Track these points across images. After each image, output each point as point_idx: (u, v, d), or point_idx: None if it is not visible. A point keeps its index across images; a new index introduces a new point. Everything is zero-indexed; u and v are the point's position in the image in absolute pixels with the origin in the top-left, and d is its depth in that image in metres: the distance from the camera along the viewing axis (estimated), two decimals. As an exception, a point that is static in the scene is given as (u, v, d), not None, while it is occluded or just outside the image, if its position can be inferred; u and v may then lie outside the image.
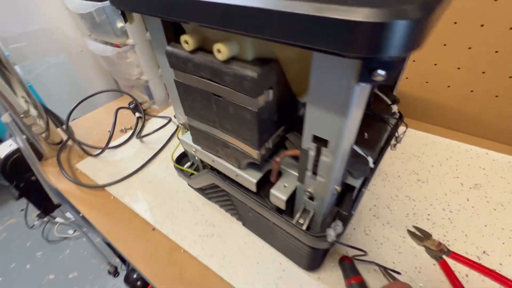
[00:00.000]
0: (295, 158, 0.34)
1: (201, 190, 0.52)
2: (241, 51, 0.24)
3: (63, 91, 1.05)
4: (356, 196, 0.34)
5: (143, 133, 0.74)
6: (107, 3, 0.62)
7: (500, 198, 0.51)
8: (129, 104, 0.80)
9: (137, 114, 0.78)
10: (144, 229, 0.51)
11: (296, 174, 0.34)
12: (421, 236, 0.46)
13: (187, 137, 0.42)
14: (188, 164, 0.53)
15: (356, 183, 0.33)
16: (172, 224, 0.51)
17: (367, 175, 0.32)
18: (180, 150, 0.52)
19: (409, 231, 0.47)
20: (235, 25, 0.19)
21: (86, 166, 0.65)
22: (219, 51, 0.24)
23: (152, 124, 0.78)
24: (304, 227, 0.33)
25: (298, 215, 0.34)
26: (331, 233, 0.30)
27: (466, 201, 0.51)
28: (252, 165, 0.35)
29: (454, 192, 0.53)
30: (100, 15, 0.65)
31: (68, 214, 1.28)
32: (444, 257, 0.43)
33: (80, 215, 0.70)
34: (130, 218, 0.54)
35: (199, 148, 0.40)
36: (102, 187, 0.59)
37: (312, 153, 0.27)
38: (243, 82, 0.24)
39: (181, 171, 0.50)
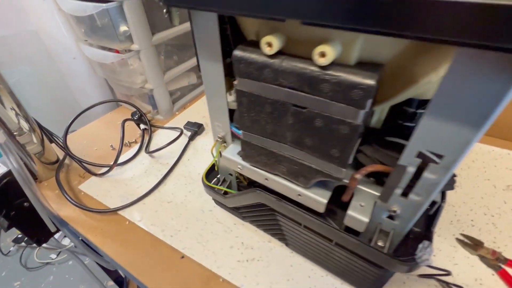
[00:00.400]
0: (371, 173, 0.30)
1: (235, 209, 0.47)
2: (344, 54, 0.21)
3: (48, 102, 0.95)
4: (435, 211, 0.31)
5: (152, 146, 0.68)
6: (112, 4, 0.56)
7: (534, 199, 0.51)
8: (132, 115, 0.73)
9: (142, 126, 0.71)
10: (172, 258, 0.45)
11: (369, 190, 0.31)
12: (472, 244, 0.44)
13: (230, 152, 0.37)
14: (216, 180, 0.48)
15: (437, 197, 0.30)
16: (203, 250, 0.45)
17: (452, 188, 0.29)
18: (212, 167, 0.47)
19: (459, 240, 0.45)
20: (380, 23, 0.15)
21: (91, 187, 0.57)
22: (322, 54, 0.20)
23: (160, 136, 0.72)
24: (385, 250, 0.29)
25: (375, 237, 0.30)
26: (426, 257, 0.26)
27: (503, 204, 0.51)
28: (319, 183, 0.31)
29: (490, 195, 0.53)
30: (102, 18, 0.59)
31: (57, 236, 1.15)
32: (502, 266, 0.41)
33: (80, 238, 0.62)
34: (152, 246, 0.47)
35: (247, 165, 0.35)
36: (115, 210, 0.52)
37: (411, 169, 0.24)
38: (353, 91, 0.20)
39: (212, 190, 0.45)
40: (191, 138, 0.69)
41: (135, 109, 0.74)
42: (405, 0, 0.14)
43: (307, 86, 0.22)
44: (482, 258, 0.42)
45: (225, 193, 0.45)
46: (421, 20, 0.15)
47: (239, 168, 0.36)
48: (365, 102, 0.20)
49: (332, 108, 0.22)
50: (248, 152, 0.33)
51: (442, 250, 0.44)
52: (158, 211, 0.52)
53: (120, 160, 0.63)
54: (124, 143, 0.69)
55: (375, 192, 0.30)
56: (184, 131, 0.71)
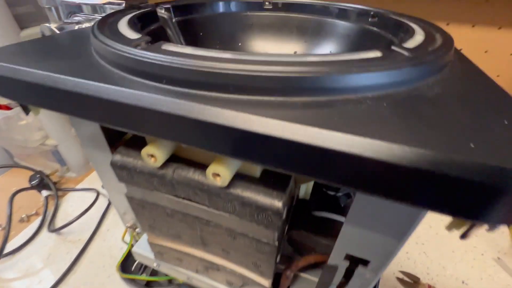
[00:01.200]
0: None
1: (164, 297, 0.39)
2: (247, 167, 0.17)
3: None
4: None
5: (59, 217, 0.54)
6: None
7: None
8: (30, 179, 0.58)
9: (45, 193, 0.58)
10: None
11: (306, 276, 0.27)
12: (411, 282, 0.45)
13: (142, 247, 0.30)
14: (138, 265, 0.40)
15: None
16: None
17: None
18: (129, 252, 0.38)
19: (399, 279, 0.46)
20: (271, 162, 0.12)
21: (-38, 298, 0.42)
22: (217, 175, 0.15)
23: (71, 200, 0.59)
24: None
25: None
26: None
27: (429, 228, 0.55)
28: (250, 279, 0.26)
29: (417, 221, 0.56)
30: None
31: None
32: (438, 301, 0.42)
33: None
34: None
35: (164, 263, 0.29)
36: (-3, 330, 0.38)
37: (342, 269, 0.21)
38: (260, 214, 0.16)
39: (132, 282, 0.37)
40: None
41: (33, 172, 0.60)
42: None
43: (208, 202, 0.17)
44: (421, 296, 0.43)
45: (149, 283, 0.37)
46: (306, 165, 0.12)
47: (154, 266, 0.30)
48: (276, 224, 0.17)
49: (242, 226, 0.18)
50: (160, 252, 0.27)
51: (386, 294, 0.44)
52: (64, 315, 0.40)
53: (11, 246, 0.48)
54: (20, 218, 0.54)
55: (313, 277, 0.27)
56: (102, 191, 0.59)
